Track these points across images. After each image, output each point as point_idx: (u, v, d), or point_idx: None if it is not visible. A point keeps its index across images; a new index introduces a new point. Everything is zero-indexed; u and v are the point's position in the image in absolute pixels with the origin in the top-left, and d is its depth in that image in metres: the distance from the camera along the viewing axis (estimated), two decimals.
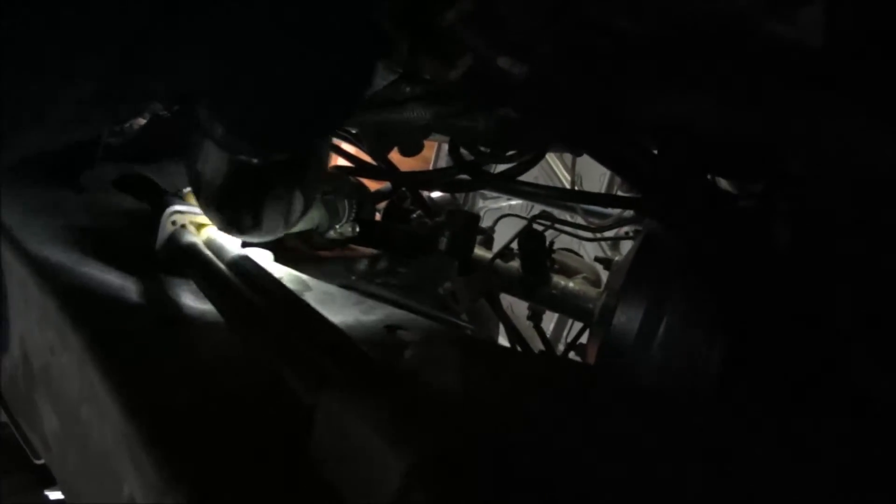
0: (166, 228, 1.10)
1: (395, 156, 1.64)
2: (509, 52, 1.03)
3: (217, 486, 0.68)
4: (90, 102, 0.75)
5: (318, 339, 0.81)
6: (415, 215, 1.86)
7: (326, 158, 1.32)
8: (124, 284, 1.05)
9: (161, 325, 0.97)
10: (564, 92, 1.10)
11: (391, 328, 1.05)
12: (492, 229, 2.13)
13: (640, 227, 1.90)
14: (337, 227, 1.54)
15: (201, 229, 1.14)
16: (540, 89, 1.08)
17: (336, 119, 1.09)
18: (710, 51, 1.01)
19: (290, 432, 0.75)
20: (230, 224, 1.08)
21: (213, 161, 1.00)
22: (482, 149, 1.52)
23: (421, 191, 1.89)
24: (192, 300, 1.07)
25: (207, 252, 1.07)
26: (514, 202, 2.86)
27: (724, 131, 1.15)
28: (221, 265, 1.03)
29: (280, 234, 1.13)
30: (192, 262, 1.06)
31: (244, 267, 1.03)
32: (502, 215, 2.17)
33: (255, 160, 0.98)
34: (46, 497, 1.53)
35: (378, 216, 1.91)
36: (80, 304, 0.95)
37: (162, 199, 1.15)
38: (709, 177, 1.37)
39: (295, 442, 0.72)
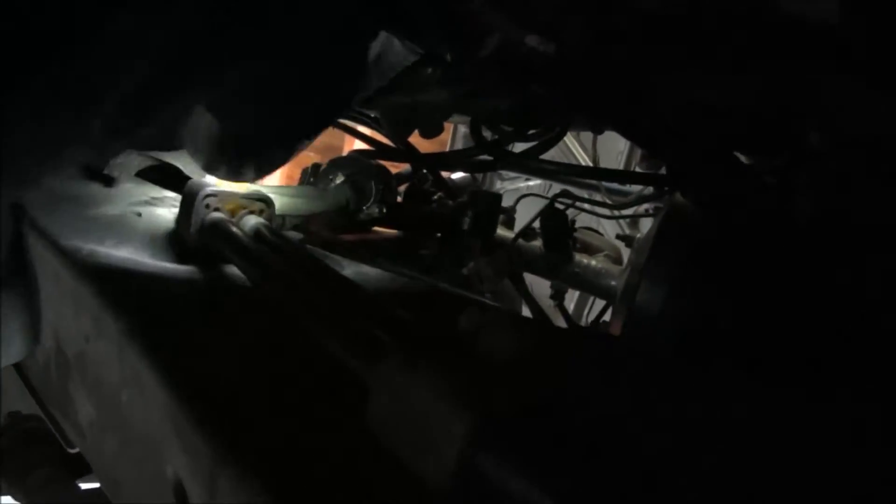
0: (200, 211, 1.10)
1: (412, 138, 1.64)
2: (537, 31, 1.03)
3: (272, 460, 0.68)
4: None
5: (367, 311, 0.81)
6: (436, 197, 1.86)
7: None
8: (160, 269, 1.05)
9: (201, 306, 0.97)
10: (592, 70, 1.10)
11: (425, 303, 1.06)
12: (513, 209, 2.13)
13: (660, 204, 1.90)
14: (364, 207, 1.54)
15: (236, 211, 1.14)
16: (568, 67, 1.08)
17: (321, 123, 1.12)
18: (732, 30, 1.01)
19: (343, 404, 0.76)
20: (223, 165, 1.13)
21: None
22: (505, 128, 1.52)
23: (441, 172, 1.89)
24: (230, 281, 1.07)
25: (244, 233, 1.07)
26: (532, 182, 2.86)
27: (745, 108, 1.15)
28: (260, 245, 1.03)
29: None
30: (231, 244, 1.06)
31: (284, 246, 1.03)
32: (523, 195, 2.16)
33: None
34: (78, 487, 1.53)
35: (399, 199, 1.91)
36: (116, 289, 0.95)
37: (192, 183, 1.15)
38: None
39: (348, 413, 0.72)
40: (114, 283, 0.97)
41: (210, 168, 1.16)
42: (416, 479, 0.62)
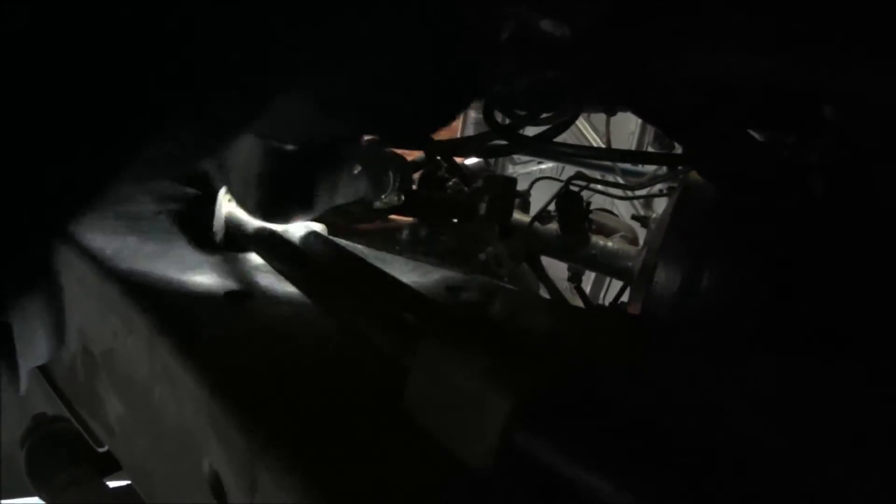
0: (222, 207, 1.10)
1: None
2: (552, 15, 1.03)
3: (310, 448, 0.68)
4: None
5: (401, 297, 0.82)
6: (450, 183, 1.86)
7: None
8: (185, 265, 1.05)
9: (230, 300, 0.97)
10: (607, 51, 1.10)
11: (452, 289, 1.06)
12: (528, 193, 2.14)
13: (674, 184, 1.91)
14: (383, 196, 1.54)
15: None
16: (583, 50, 1.08)
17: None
18: (744, 7, 1.01)
19: (379, 389, 0.76)
20: (274, 211, 1.05)
21: (245, 149, 0.97)
22: (518, 112, 1.52)
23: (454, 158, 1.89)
24: (256, 275, 1.07)
25: (270, 226, 1.07)
26: (544, 166, 2.87)
27: (760, 83, 1.15)
28: (287, 237, 1.03)
29: (317, 213, 1.10)
30: (256, 238, 1.06)
31: (310, 237, 1.03)
32: (537, 178, 2.17)
33: (289, 146, 0.94)
34: (106, 486, 1.54)
35: (413, 186, 1.90)
36: (143, 287, 0.95)
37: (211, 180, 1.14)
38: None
39: (385, 397, 0.72)
40: (140, 281, 0.96)
41: (260, 208, 1.08)
42: (457, 460, 0.62)
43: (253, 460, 0.69)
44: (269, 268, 1.08)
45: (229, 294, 0.97)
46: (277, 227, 1.06)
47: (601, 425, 0.57)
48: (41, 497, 1.53)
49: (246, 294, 0.98)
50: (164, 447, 0.92)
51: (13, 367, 1.19)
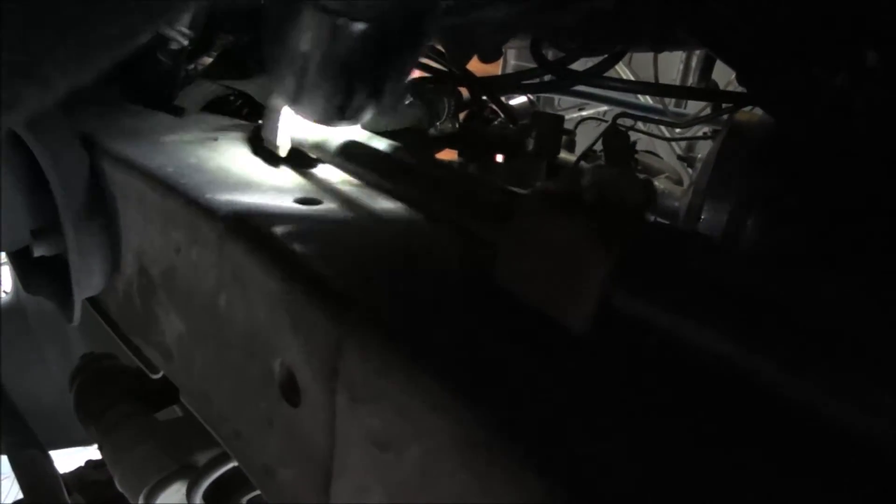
0: (286, 119, 1.09)
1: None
2: None
3: (404, 320, 0.67)
4: None
5: (486, 189, 0.81)
6: (496, 122, 1.86)
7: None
8: (250, 179, 1.05)
9: (301, 203, 0.96)
10: None
11: None
12: (573, 133, 2.14)
13: (717, 127, 1.90)
14: (437, 123, 1.54)
15: None
16: None
17: None
18: None
19: (468, 268, 0.76)
20: (341, 106, 0.93)
21: (311, 31, 0.85)
22: (569, 44, 1.51)
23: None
24: (326, 184, 1.06)
25: (338, 132, 1.06)
26: (585, 113, 2.86)
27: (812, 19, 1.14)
28: (358, 140, 1.03)
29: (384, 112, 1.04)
30: (324, 146, 1.05)
31: (379, 142, 1.02)
32: (582, 119, 2.18)
33: (363, 25, 0.82)
34: (156, 420, 1.56)
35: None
36: (209, 196, 0.94)
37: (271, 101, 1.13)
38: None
39: (475, 275, 0.72)
40: (206, 191, 0.96)
41: (329, 116, 0.97)
42: (558, 325, 0.62)
43: (339, 344, 0.69)
44: (339, 179, 1.08)
45: (300, 200, 0.97)
46: (345, 133, 1.05)
47: (695, 278, 0.57)
48: (91, 435, 1.55)
49: (315, 198, 0.98)
50: (230, 358, 0.92)
51: (68, 299, 1.20)
